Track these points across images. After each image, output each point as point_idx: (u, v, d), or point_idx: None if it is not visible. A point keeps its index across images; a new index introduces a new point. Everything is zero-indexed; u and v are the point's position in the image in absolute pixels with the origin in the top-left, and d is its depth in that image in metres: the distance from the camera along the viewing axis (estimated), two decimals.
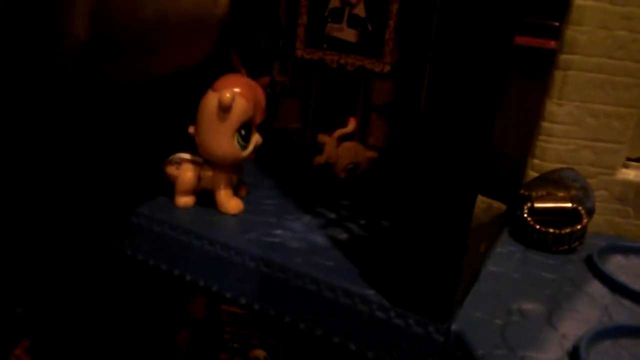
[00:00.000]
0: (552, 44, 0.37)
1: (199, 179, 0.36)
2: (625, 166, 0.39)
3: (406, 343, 0.27)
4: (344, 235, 0.35)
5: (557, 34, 0.37)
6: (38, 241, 0.43)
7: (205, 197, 0.37)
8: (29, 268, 0.46)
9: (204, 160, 0.36)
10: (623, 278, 0.32)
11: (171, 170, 0.36)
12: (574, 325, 0.27)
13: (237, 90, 0.33)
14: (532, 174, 0.39)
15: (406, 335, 0.27)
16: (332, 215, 0.38)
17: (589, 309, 0.29)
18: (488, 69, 0.24)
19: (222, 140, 0.34)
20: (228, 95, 0.32)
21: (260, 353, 0.59)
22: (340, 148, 0.42)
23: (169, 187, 0.37)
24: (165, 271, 0.35)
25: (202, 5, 0.35)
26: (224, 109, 0.32)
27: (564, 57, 0.36)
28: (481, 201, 0.41)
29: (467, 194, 0.25)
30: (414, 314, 0.27)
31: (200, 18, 0.35)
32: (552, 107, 0.37)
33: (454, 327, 0.26)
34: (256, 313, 0.32)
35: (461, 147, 0.25)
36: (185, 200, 0.36)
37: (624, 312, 0.29)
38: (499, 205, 0.41)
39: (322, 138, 0.42)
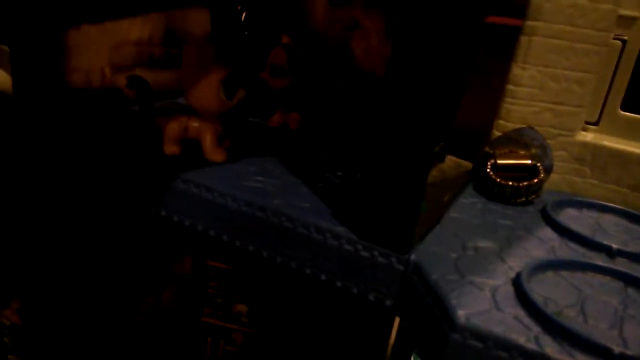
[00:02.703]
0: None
1: (186, 128, 0.38)
2: (584, 129, 0.42)
3: (371, 272, 0.30)
4: (320, 184, 0.37)
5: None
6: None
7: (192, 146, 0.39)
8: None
9: (191, 110, 0.38)
10: (574, 227, 0.35)
11: (159, 120, 0.39)
12: (521, 260, 0.30)
13: None
14: (497, 134, 0.42)
15: (371, 265, 0.30)
16: (311, 167, 0.40)
17: (536, 249, 0.32)
18: (454, 39, 0.27)
19: (208, 90, 0.36)
20: None
21: (242, 307, 0.62)
22: None
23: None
24: (153, 212, 0.37)
25: None
26: None
27: (529, 24, 0.39)
28: (450, 160, 0.44)
29: (427, 139, 0.28)
30: (378, 246, 0.30)
31: None
32: (517, 70, 0.40)
33: (413, 257, 0.29)
34: (236, 249, 0.35)
35: (423, 98, 0.27)
36: (172, 149, 0.39)
37: (568, 251, 0.32)
38: (467, 165, 0.44)
39: None
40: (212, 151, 0.38)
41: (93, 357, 0.57)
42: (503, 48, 0.41)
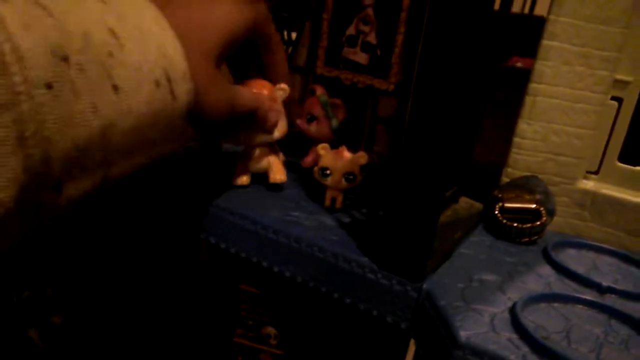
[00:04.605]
0: None
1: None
2: (585, 177, 0.47)
3: (389, 297, 0.35)
4: (347, 219, 0.43)
5: None
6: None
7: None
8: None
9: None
10: (571, 265, 0.40)
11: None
12: (519, 292, 0.35)
13: None
14: (506, 180, 0.47)
15: (389, 292, 0.35)
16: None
17: (534, 283, 0.37)
18: (461, 98, 0.33)
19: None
20: None
21: (270, 330, 0.68)
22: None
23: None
24: (200, 239, 0.44)
25: (157, 102, 0.28)
26: None
27: (533, 86, 0.44)
28: (464, 201, 0.49)
29: (438, 187, 0.34)
30: (396, 276, 0.35)
31: (157, 116, 0.28)
32: (523, 125, 0.45)
33: (425, 286, 0.34)
34: (274, 275, 0.40)
35: (434, 155, 0.33)
36: (241, 180, 0.46)
37: (562, 287, 0.37)
38: (479, 205, 0.49)
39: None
40: (279, 172, 0.45)
41: None
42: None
